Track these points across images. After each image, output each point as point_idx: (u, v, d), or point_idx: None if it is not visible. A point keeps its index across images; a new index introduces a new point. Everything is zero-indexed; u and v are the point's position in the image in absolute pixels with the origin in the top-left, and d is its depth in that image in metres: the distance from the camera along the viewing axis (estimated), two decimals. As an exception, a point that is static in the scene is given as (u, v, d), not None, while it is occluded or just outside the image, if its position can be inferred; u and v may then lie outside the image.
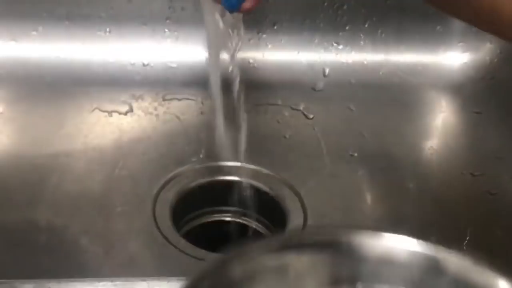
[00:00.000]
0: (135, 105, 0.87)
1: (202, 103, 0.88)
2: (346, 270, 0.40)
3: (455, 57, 0.95)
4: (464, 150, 0.87)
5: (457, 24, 0.94)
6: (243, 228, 0.80)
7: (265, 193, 0.78)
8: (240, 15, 0.64)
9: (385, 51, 0.93)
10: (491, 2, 0.39)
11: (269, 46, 0.92)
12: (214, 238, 0.80)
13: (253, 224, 0.80)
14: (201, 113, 0.87)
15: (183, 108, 0.87)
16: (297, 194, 0.78)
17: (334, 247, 0.40)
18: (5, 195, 0.72)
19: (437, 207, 0.78)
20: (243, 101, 0.74)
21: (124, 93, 0.88)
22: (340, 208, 0.77)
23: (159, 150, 0.81)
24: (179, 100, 0.88)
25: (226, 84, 0.89)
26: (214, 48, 0.69)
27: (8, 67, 0.87)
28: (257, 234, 0.80)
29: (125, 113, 0.86)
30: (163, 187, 0.76)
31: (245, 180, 0.78)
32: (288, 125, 0.87)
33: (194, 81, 0.90)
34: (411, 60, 0.94)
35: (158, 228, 0.71)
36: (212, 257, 0.69)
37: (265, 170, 0.80)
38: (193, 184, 0.78)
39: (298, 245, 0.40)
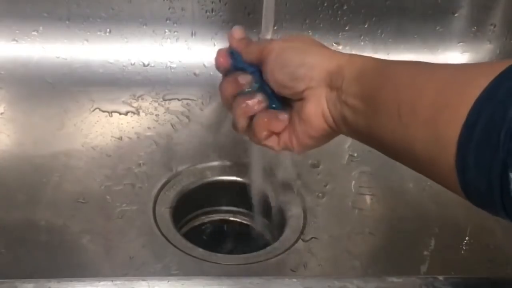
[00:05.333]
0: (135, 105, 0.87)
1: (202, 103, 0.88)
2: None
3: (454, 57, 0.95)
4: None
5: (457, 25, 0.94)
6: (243, 228, 0.80)
7: (265, 192, 0.78)
8: None
9: (385, 51, 0.93)
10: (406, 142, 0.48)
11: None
12: (214, 238, 0.80)
13: (253, 224, 0.80)
14: (201, 113, 0.87)
15: (183, 108, 0.88)
16: (297, 194, 0.78)
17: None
18: (5, 195, 0.73)
19: (437, 206, 0.78)
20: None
21: (124, 93, 0.88)
22: (339, 208, 0.77)
23: (159, 150, 0.81)
24: (179, 100, 0.88)
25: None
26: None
27: (9, 67, 0.87)
28: (257, 234, 0.80)
29: (126, 113, 0.86)
30: (163, 187, 0.76)
31: (245, 180, 0.78)
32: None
33: (194, 81, 0.90)
34: (411, 60, 0.94)
35: (158, 228, 0.71)
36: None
37: (265, 170, 0.80)
38: (193, 184, 0.78)
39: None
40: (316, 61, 0.56)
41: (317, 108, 0.56)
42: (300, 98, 0.57)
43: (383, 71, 0.52)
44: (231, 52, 0.61)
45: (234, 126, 0.62)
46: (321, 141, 0.59)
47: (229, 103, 0.61)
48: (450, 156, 0.43)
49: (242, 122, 0.60)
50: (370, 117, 0.51)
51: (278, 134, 0.60)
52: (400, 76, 0.50)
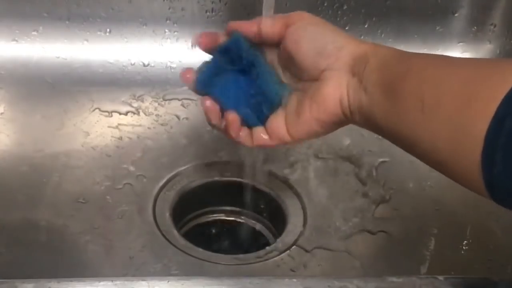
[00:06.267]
0: (135, 105, 0.87)
1: (202, 103, 0.88)
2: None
3: (454, 57, 0.95)
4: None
5: (457, 24, 0.94)
6: (243, 228, 0.80)
7: (265, 193, 0.78)
8: None
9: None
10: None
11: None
12: (214, 238, 0.80)
13: (253, 224, 0.80)
14: (201, 113, 0.87)
15: (183, 108, 0.88)
16: (297, 194, 0.78)
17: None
18: (5, 195, 0.73)
19: (437, 206, 0.78)
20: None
21: (124, 93, 0.88)
22: (339, 208, 0.77)
23: (159, 150, 0.81)
24: (179, 100, 0.88)
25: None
26: None
27: (9, 67, 0.87)
28: (257, 234, 0.80)
29: (125, 113, 0.86)
30: (163, 187, 0.76)
31: (245, 180, 0.78)
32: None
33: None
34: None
35: (158, 228, 0.71)
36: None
37: (265, 170, 0.80)
38: (193, 184, 0.78)
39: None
40: (346, 43, 0.54)
41: (336, 91, 0.54)
42: (316, 78, 0.55)
43: (405, 62, 0.51)
44: (233, 36, 0.59)
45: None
46: (328, 129, 0.57)
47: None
48: (475, 151, 0.42)
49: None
50: (389, 108, 0.50)
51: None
52: (423, 68, 0.49)
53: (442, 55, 0.51)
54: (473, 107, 0.43)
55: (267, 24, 0.57)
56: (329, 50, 0.54)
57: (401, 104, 0.49)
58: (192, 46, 0.61)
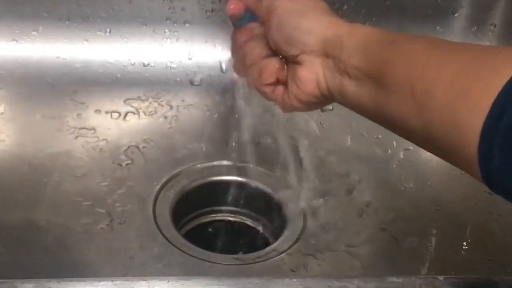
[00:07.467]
0: (135, 105, 0.87)
1: (202, 103, 0.88)
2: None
3: (454, 57, 0.95)
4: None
5: (457, 24, 0.94)
6: (243, 227, 0.80)
7: (265, 193, 0.78)
8: None
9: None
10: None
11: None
12: (214, 237, 0.80)
13: (253, 224, 0.80)
14: (201, 113, 0.87)
15: (183, 109, 0.88)
16: (296, 193, 0.78)
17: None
18: (5, 195, 0.73)
19: (437, 206, 0.78)
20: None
21: (124, 93, 0.88)
22: (339, 208, 0.77)
23: (159, 150, 0.81)
24: (179, 100, 0.88)
25: (227, 85, 0.90)
26: None
27: (9, 67, 0.87)
28: (257, 234, 0.80)
29: (126, 113, 0.86)
30: (163, 187, 0.76)
31: (245, 180, 0.78)
32: (288, 125, 0.87)
33: (194, 81, 0.90)
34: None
35: (158, 228, 0.71)
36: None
37: (265, 170, 0.80)
38: (193, 184, 0.78)
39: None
40: (312, 26, 0.54)
41: (311, 74, 0.54)
42: (295, 61, 0.56)
43: (391, 45, 0.49)
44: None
45: (237, 66, 0.61)
46: (309, 107, 0.58)
47: (238, 48, 0.60)
48: (471, 145, 0.41)
49: (251, 62, 0.59)
50: (378, 94, 0.49)
51: (276, 84, 0.58)
52: (412, 51, 0.48)
53: (434, 38, 0.49)
54: (468, 99, 0.42)
55: (258, 9, 0.58)
56: (295, 38, 0.55)
57: (390, 89, 0.47)
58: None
